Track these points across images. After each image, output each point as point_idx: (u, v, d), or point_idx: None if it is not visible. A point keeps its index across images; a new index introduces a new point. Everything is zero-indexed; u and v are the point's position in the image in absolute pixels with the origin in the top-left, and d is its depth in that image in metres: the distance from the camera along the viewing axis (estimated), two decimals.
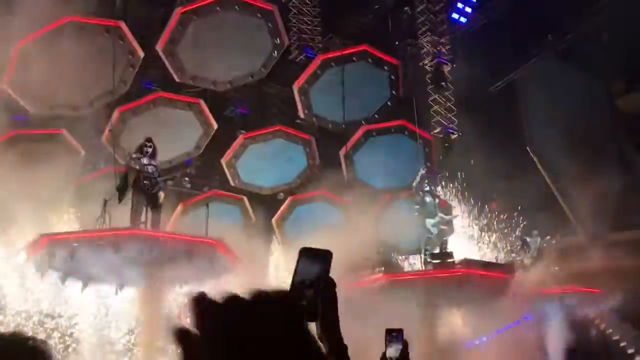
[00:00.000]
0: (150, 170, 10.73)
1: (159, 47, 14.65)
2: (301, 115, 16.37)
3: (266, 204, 15.96)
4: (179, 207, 13.98)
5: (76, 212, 12.59)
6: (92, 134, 13.66)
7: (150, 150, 10.95)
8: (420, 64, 20.26)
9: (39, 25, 13.45)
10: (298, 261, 1.34)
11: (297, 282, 1.32)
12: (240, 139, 15.47)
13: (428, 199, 13.92)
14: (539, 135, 21.21)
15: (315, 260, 1.34)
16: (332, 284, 1.39)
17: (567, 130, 20.78)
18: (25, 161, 12.77)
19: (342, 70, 15.99)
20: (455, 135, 20.05)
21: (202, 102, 14.53)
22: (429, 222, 13.66)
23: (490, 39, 19.55)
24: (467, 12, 21.04)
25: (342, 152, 16.42)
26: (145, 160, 10.79)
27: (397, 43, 19.63)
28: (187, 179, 15.64)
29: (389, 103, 17.42)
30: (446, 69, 20.39)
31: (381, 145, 16.79)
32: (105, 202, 11.00)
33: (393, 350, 2.15)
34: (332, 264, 1.35)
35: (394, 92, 17.30)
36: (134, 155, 10.94)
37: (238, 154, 15.45)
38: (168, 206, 13.80)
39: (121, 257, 9.98)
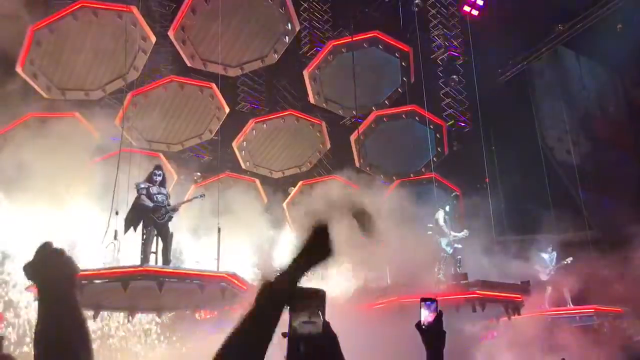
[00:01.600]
0: (160, 200, 10.43)
1: (171, 33, 14.76)
2: (311, 100, 16.45)
3: (278, 187, 16.08)
4: (192, 188, 14.13)
5: (90, 192, 12.74)
6: (105, 118, 13.77)
7: (159, 178, 10.69)
8: (432, 57, 20.27)
9: (52, 10, 13.63)
10: (291, 304, 1.34)
11: (296, 328, 1.32)
12: (251, 123, 15.57)
13: (442, 217, 13.77)
14: (551, 128, 21.12)
15: (309, 301, 1.34)
16: (326, 324, 1.42)
17: (579, 122, 20.69)
18: (40, 143, 12.98)
19: (352, 56, 16.00)
20: (468, 129, 20.07)
21: (214, 86, 14.61)
22: (443, 241, 13.58)
23: (500, 29, 19.46)
24: (478, 5, 20.96)
25: (352, 137, 16.47)
26: (154, 190, 10.50)
27: (407, 36, 19.63)
28: (198, 173, 15.66)
29: (399, 90, 17.42)
30: (457, 62, 20.37)
31: (392, 131, 16.82)
32: (116, 232, 10.76)
33: (426, 319, 2.18)
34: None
35: (404, 78, 17.29)
36: (142, 185, 10.57)
37: (249, 137, 15.55)
38: (181, 187, 13.95)
39: (131, 291, 9.65)
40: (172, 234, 10.54)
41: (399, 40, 17.09)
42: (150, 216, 10.25)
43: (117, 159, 11.56)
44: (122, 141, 12.49)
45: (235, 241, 13.02)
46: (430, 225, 13.83)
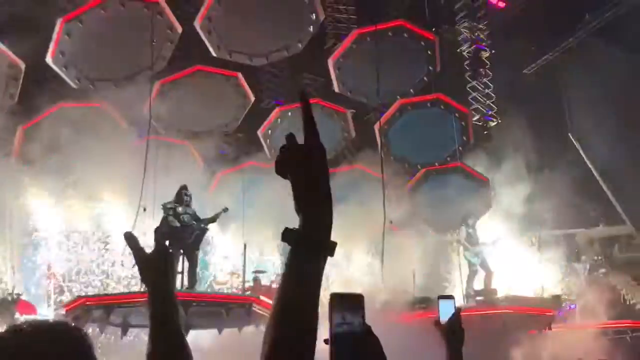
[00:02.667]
0: (185, 220, 10.39)
1: (197, 24, 14.92)
2: (336, 89, 16.45)
3: None
4: (217, 177, 14.27)
5: (122, 179, 12.99)
6: (134, 107, 13.98)
7: (187, 198, 10.65)
8: (458, 50, 20.09)
9: (81, 2, 13.92)
10: (331, 309, 1.32)
11: (337, 333, 1.29)
12: (276, 112, 15.68)
13: (469, 230, 13.48)
14: (581, 119, 20.74)
15: (348, 306, 1.32)
16: (368, 328, 1.38)
17: (610, 113, 20.25)
18: (73, 132, 13.30)
19: (377, 44, 15.94)
20: (495, 123, 19.87)
21: (239, 75, 14.74)
22: (467, 254, 13.30)
23: (527, 21, 19.21)
24: None
25: (376, 126, 16.41)
26: (180, 209, 10.43)
27: (433, 29, 19.47)
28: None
29: (425, 78, 17.31)
30: (484, 55, 20.16)
31: (417, 120, 16.73)
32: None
33: (444, 316, 2.18)
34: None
35: (430, 67, 17.18)
36: (169, 206, 10.52)
37: (274, 126, 15.65)
38: (207, 175, 14.11)
39: None
40: (197, 254, 10.54)
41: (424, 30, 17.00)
42: (177, 237, 10.18)
43: (145, 146, 11.74)
44: (150, 129, 12.68)
45: (263, 226, 13.15)
46: (457, 238, 13.83)
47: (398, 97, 16.89)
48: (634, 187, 18.01)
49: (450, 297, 2.25)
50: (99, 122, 13.78)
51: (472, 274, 13.26)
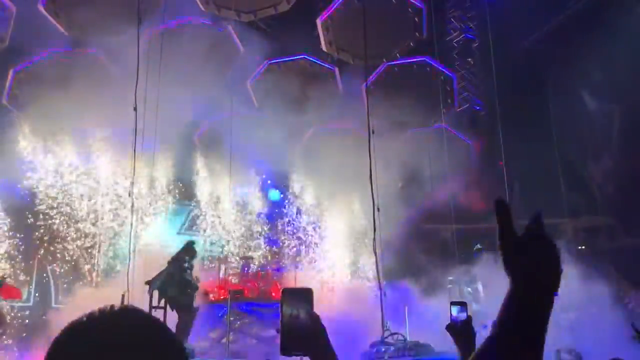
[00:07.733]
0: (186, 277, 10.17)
1: None
2: (324, 48, 16.71)
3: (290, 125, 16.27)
4: (205, 124, 14.47)
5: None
6: (126, 56, 14.07)
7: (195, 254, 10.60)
8: (447, 39, 20.14)
9: None
10: (282, 302, 1.46)
11: (287, 323, 1.44)
12: (265, 65, 15.91)
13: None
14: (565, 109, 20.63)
15: (298, 299, 1.47)
16: (315, 318, 1.51)
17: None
18: (63, 80, 13.40)
19: (364, 6, 16.16)
20: (483, 112, 20.00)
21: (230, 27, 14.95)
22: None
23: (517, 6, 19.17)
24: None
25: (363, 87, 16.67)
26: (189, 264, 10.29)
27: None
28: None
29: (411, 44, 17.58)
30: (473, 44, 20.24)
31: (403, 81, 17.01)
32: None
33: (456, 321, 2.25)
34: None
35: (417, 33, 17.46)
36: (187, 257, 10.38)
37: (262, 78, 15.89)
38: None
39: None
40: (188, 310, 10.12)
41: None
42: (167, 292, 9.93)
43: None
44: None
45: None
46: (469, 289, 13.23)
47: (384, 60, 17.19)
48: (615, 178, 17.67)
49: (462, 303, 2.33)
50: (91, 68, 13.91)
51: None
